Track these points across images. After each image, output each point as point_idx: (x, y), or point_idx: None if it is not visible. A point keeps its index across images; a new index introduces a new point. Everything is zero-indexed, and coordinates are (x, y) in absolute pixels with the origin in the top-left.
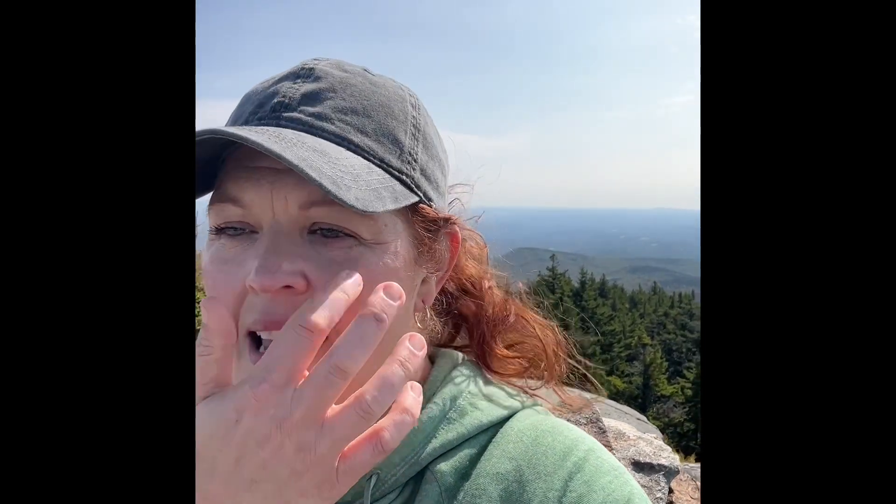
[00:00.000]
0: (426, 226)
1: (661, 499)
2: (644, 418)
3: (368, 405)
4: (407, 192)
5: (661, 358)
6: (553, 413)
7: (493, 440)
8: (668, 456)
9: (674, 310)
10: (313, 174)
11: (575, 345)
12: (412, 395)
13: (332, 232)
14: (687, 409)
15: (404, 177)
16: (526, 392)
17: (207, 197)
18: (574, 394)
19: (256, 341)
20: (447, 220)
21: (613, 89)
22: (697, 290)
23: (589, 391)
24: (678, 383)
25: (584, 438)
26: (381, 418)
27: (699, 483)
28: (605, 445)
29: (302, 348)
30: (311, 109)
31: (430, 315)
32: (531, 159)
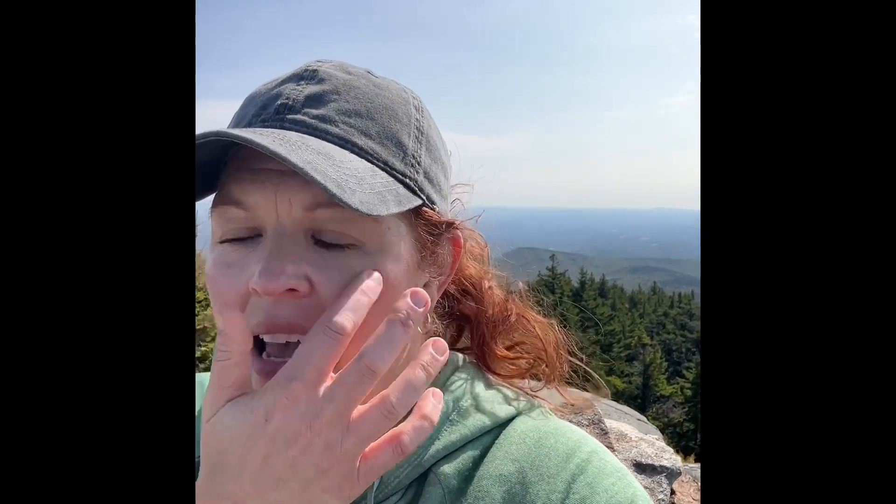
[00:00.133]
0: (429, 229)
1: (664, 500)
2: (644, 419)
3: (393, 406)
4: (410, 195)
5: (661, 358)
6: (555, 414)
7: (496, 442)
8: (669, 457)
9: (673, 310)
10: (318, 177)
11: (576, 343)
12: (432, 402)
13: (336, 246)
14: (686, 409)
15: (408, 180)
16: (528, 393)
17: (208, 198)
18: (577, 394)
19: (259, 347)
20: (450, 224)
21: (613, 89)
22: (697, 290)
23: (590, 391)
24: (678, 383)
25: (587, 440)
26: (401, 421)
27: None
28: (608, 447)
29: (330, 349)
30: (314, 112)
31: (433, 319)
32: (531, 159)
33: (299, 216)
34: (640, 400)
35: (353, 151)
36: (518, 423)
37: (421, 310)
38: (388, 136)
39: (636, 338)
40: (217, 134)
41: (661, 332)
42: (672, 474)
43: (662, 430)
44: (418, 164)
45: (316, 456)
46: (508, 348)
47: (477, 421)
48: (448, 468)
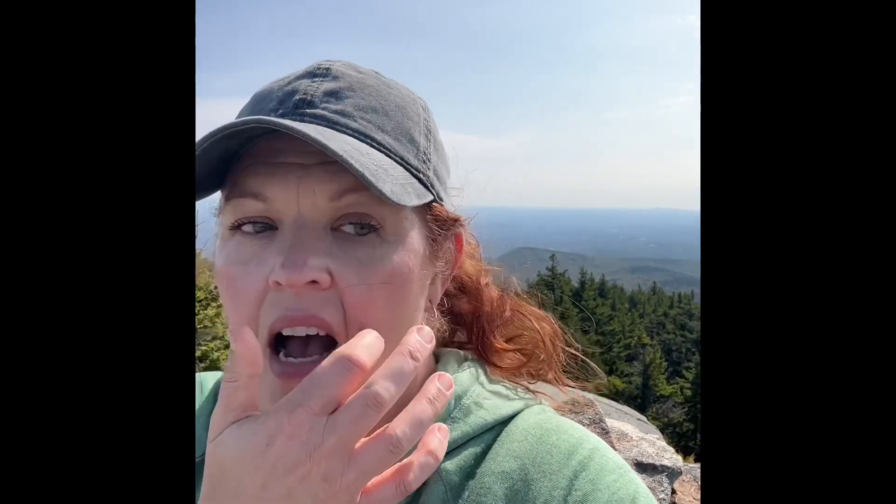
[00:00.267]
0: (438, 224)
1: (664, 500)
2: (644, 419)
3: (399, 440)
4: (424, 190)
5: (661, 358)
6: (557, 412)
7: (498, 439)
8: (670, 457)
9: (673, 310)
10: (356, 164)
11: (573, 335)
12: (438, 438)
13: (360, 227)
14: (686, 409)
15: (421, 175)
16: (530, 391)
17: (208, 198)
18: (578, 394)
19: (275, 346)
20: (456, 220)
21: (613, 89)
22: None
23: (588, 390)
24: (677, 383)
25: (589, 437)
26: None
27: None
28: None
29: (345, 380)
30: (333, 106)
31: (437, 315)
32: (531, 159)
33: (324, 205)
34: (640, 400)
35: (371, 145)
36: (520, 421)
37: (428, 346)
38: (402, 133)
39: (636, 338)
40: (258, 121)
41: (661, 332)
42: (673, 474)
43: (662, 430)
44: (429, 160)
45: (314, 486)
46: (507, 341)
47: (479, 418)
48: (450, 465)
